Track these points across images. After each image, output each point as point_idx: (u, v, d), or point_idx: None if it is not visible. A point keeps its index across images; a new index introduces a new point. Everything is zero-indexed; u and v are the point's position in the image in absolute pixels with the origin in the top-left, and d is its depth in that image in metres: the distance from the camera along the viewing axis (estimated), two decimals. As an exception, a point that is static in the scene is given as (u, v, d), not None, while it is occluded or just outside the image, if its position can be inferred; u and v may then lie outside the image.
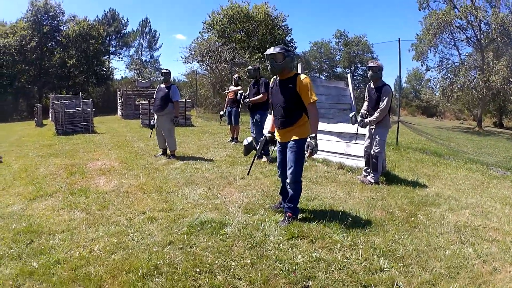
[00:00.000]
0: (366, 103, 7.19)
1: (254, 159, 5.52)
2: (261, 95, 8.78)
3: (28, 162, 8.86)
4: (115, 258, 3.75)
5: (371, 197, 5.93)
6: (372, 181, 6.80)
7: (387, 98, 6.64)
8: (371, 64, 6.97)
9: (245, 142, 5.85)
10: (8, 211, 5.21)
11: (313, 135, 4.39)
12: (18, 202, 5.63)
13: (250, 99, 8.89)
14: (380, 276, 3.46)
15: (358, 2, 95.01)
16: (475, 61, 30.70)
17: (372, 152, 6.89)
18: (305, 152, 4.42)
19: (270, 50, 4.63)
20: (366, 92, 7.20)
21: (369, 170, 7.03)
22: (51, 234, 4.36)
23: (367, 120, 6.90)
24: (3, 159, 9.42)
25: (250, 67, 9.51)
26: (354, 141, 7.95)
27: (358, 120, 7.01)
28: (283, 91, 4.65)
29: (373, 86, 6.98)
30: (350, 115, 7.17)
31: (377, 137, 6.84)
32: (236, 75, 12.68)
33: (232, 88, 11.86)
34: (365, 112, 7.08)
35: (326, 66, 64.82)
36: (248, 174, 5.86)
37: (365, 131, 7.24)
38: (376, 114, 6.73)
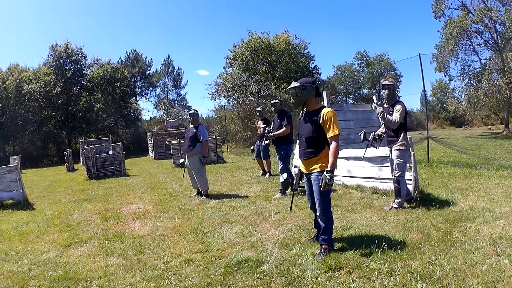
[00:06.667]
0: (382, 124, 7.01)
1: (293, 194, 5.57)
2: (284, 129, 8.77)
3: (61, 208, 9.03)
4: (154, 303, 3.76)
5: (406, 220, 5.84)
6: (395, 206, 6.58)
7: (400, 111, 6.41)
8: (386, 82, 6.74)
9: (281, 179, 5.90)
10: (44, 259, 5.30)
11: (329, 169, 4.43)
12: (53, 249, 5.72)
13: (274, 133, 8.86)
14: (418, 301, 3.38)
15: (376, 21, 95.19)
16: (495, 64, 30.20)
17: (393, 176, 6.72)
18: (319, 185, 4.46)
19: (291, 85, 4.86)
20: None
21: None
22: (88, 280, 4.41)
23: (378, 108, 6.60)
24: (36, 205, 9.63)
25: (274, 101, 9.57)
26: (361, 160, 7.86)
27: (369, 139, 6.88)
28: (308, 122, 4.77)
29: (387, 106, 6.79)
30: (360, 133, 7.00)
31: (395, 160, 6.63)
32: (259, 108, 12.79)
33: (260, 123, 11.97)
34: (380, 133, 6.97)
35: (351, 89, 64.75)
36: (290, 209, 6.07)
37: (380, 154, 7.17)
38: (392, 118, 6.45)
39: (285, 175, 5.87)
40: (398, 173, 6.59)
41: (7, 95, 36.35)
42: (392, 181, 6.94)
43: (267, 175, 11.91)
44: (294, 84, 4.82)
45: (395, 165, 6.64)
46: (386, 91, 6.73)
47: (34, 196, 11.30)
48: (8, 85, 36.47)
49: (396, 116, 6.45)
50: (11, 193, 9.83)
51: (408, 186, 6.94)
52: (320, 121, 4.61)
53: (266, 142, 10.06)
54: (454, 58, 32.15)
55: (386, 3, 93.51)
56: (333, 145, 4.52)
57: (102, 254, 5.35)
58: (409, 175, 7.11)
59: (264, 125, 10.12)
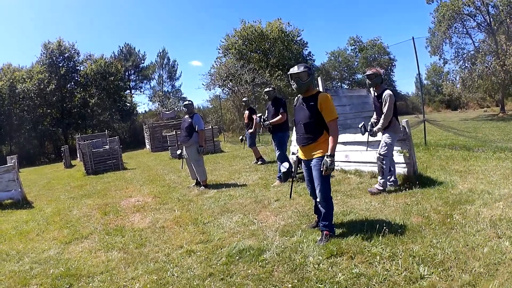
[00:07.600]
0: (375, 113, 7.11)
1: (292, 181, 5.55)
2: (280, 116, 8.65)
3: (61, 205, 9.02)
4: (156, 295, 3.74)
5: (406, 203, 5.83)
6: (380, 188, 6.63)
7: (388, 103, 6.51)
8: (367, 72, 6.87)
9: (283, 169, 5.87)
10: (45, 256, 5.30)
11: (329, 153, 4.40)
12: (54, 247, 5.71)
13: (270, 121, 8.74)
14: (421, 284, 3.40)
15: (368, 5, 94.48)
16: (489, 46, 30.13)
17: (378, 154, 6.77)
18: (321, 170, 4.44)
19: (295, 69, 4.69)
20: (372, 101, 7.12)
21: (392, 179, 6.89)
22: (90, 276, 4.40)
23: (375, 129, 6.84)
24: (35, 203, 9.63)
25: (268, 89, 9.50)
26: (366, 150, 7.91)
27: (368, 130, 6.96)
28: (305, 108, 4.68)
29: (375, 94, 6.90)
30: (359, 126, 7.12)
31: (383, 139, 6.72)
32: (244, 98, 12.86)
33: (247, 113, 12.05)
34: (374, 120, 7.02)
35: (346, 74, 64.43)
36: (290, 197, 6.04)
37: (378, 139, 7.23)
38: (381, 121, 6.64)
39: (286, 165, 5.82)
40: (384, 151, 6.65)
41: (1, 96, 36.22)
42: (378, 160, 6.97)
43: (259, 162, 11.94)
44: (301, 68, 4.66)
45: (382, 144, 6.74)
46: (367, 80, 6.86)
47: (33, 195, 11.29)
48: (2, 85, 36.32)
49: (385, 110, 6.56)
50: (10, 193, 9.83)
51: (396, 170, 7.03)
52: (318, 106, 4.54)
53: (251, 130, 10.02)
54: (448, 41, 32.09)
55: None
56: (332, 129, 4.48)
57: (103, 249, 5.34)
58: (406, 159, 7.18)
59: (260, 114, 10.07)
